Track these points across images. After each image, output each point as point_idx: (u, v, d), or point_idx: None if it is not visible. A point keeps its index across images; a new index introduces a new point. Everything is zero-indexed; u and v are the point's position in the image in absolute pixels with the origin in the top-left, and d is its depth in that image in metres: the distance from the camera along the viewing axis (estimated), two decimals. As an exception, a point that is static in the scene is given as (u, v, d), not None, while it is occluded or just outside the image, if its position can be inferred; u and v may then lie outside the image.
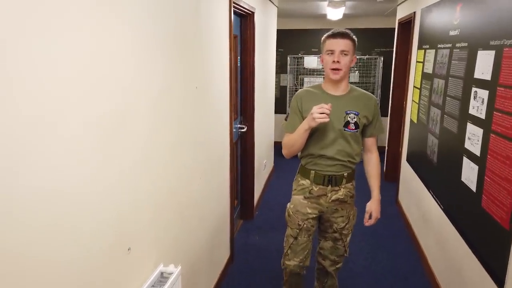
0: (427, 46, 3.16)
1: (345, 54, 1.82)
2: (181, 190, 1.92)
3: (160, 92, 1.62)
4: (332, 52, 1.83)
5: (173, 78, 1.75)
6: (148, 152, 1.53)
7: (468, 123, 2.12)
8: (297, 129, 1.88)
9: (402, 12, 4.47)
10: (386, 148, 5.04)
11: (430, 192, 2.86)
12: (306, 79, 6.47)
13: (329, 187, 1.97)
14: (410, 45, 3.87)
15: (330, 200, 1.99)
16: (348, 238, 2.11)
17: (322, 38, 1.90)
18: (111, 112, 1.24)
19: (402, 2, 4.44)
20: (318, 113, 1.73)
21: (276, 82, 5.81)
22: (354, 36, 1.88)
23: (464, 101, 2.21)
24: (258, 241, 3.38)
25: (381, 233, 3.49)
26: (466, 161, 2.14)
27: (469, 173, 2.08)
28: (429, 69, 3.05)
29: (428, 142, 2.93)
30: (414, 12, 3.76)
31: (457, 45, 2.40)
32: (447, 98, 2.53)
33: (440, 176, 2.61)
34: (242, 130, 3.46)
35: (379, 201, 2.06)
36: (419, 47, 3.46)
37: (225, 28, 2.58)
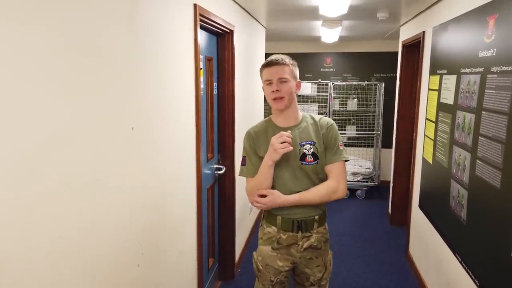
0: (444, 71, 2.59)
1: (284, 81, 1.67)
2: None
3: (49, 140, 1.00)
4: (270, 82, 1.69)
5: (80, 116, 1.13)
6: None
7: (522, 178, 1.51)
8: (260, 168, 1.70)
9: (407, 33, 3.93)
10: (392, 185, 4.41)
11: (457, 258, 2.20)
12: (299, 107, 5.88)
13: (300, 233, 1.74)
14: (419, 70, 3.31)
15: (302, 249, 1.76)
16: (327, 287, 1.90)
17: (260, 68, 1.75)
18: None
19: (407, 21, 3.91)
20: (279, 143, 1.59)
21: (266, 110, 5.23)
22: (292, 61, 1.73)
23: None
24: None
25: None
26: (519, 231, 1.52)
27: (527, 250, 1.45)
28: (448, 99, 2.46)
29: (451, 191, 2.30)
30: (423, 32, 3.21)
31: (493, 69, 1.82)
32: (480, 138, 1.92)
33: (475, 243, 1.96)
34: (220, 172, 2.83)
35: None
36: (432, 72, 2.89)
37: (188, 45, 1.98)
